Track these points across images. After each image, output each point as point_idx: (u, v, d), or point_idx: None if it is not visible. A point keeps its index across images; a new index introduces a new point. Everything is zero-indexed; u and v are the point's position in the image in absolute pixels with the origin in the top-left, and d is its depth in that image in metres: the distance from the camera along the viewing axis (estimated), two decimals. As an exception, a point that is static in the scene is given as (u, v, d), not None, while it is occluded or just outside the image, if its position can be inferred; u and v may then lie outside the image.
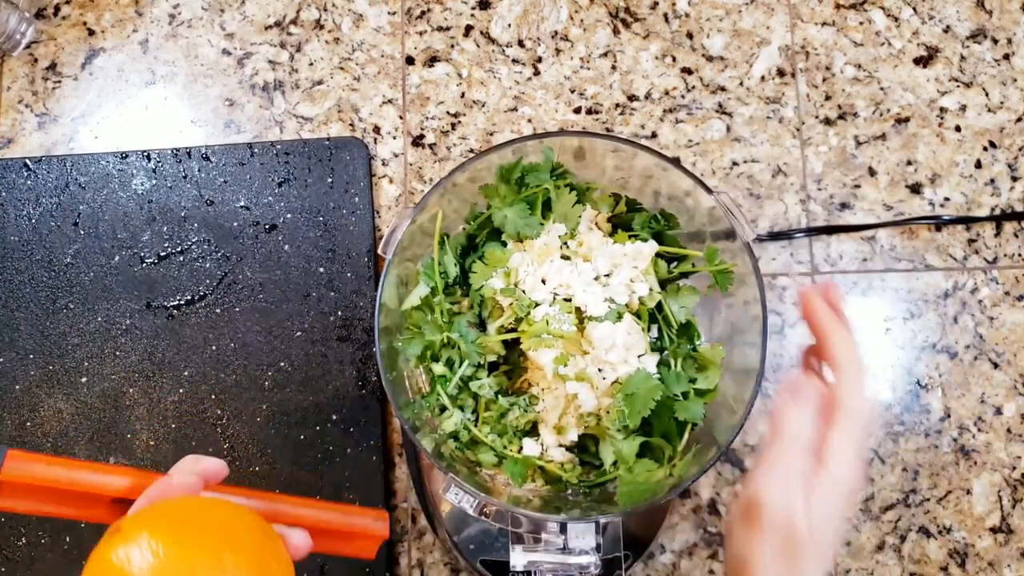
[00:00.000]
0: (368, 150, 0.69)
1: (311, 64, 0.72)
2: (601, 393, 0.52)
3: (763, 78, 0.71)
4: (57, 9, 0.73)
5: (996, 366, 0.66)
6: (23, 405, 0.65)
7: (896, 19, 0.71)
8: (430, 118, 0.71)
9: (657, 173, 0.55)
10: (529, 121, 0.70)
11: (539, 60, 0.71)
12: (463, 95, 0.71)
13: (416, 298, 0.55)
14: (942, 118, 0.70)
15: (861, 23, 0.71)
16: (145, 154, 0.69)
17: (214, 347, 0.66)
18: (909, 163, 0.69)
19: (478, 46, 0.71)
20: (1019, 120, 0.70)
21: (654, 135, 0.70)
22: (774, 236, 0.68)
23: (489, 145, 0.70)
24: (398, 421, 0.64)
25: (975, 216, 0.68)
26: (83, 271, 0.67)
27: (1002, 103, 0.70)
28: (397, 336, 0.54)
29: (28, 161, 0.69)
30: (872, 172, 0.69)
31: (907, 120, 0.70)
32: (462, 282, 0.56)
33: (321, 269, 0.67)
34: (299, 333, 0.66)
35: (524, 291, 0.52)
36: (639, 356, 0.52)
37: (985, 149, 0.69)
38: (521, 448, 0.54)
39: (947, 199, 0.69)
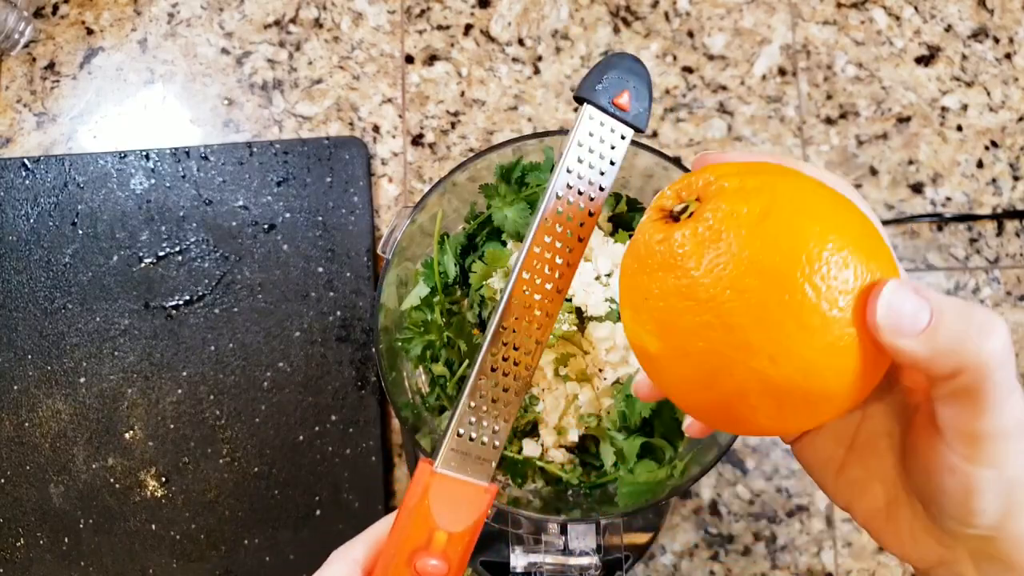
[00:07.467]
0: (367, 149, 0.69)
1: (310, 63, 0.71)
2: (601, 393, 0.52)
3: (764, 77, 0.70)
4: (56, 8, 0.73)
5: (998, 366, 0.66)
6: (21, 405, 0.65)
7: (897, 18, 0.71)
8: (430, 117, 0.70)
9: (658, 172, 0.55)
10: (529, 120, 0.70)
11: (539, 59, 0.71)
12: (463, 94, 0.71)
13: (416, 298, 0.54)
14: (943, 117, 0.70)
15: (862, 22, 0.71)
16: (144, 154, 0.69)
17: (213, 347, 0.66)
18: (911, 162, 0.69)
19: (478, 45, 0.71)
20: (1021, 119, 0.70)
21: (655, 134, 0.70)
22: (775, 236, 0.68)
23: (489, 144, 0.70)
24: (398, 421, 0.64)
25: (976, 214, 0.68)
26: (81, 271, 0.67)
27: (1003, 102, 0.70)
28: (397, 336, 0.54)
29: (26, 161, 0.69)
30: (873, 171, 0.69)
31: (908, 119, 0.70)
32: (462, 282, 0.56)
33: (320, 269, 0.67)
34: (298, 333, 0.66)
35: (524, 291, 0.52)
36: (640, 356, 0.52)
37: (987, 148, 0.69)
38: (521, 448, 0.53)
39: (948, 199, 0.68)
